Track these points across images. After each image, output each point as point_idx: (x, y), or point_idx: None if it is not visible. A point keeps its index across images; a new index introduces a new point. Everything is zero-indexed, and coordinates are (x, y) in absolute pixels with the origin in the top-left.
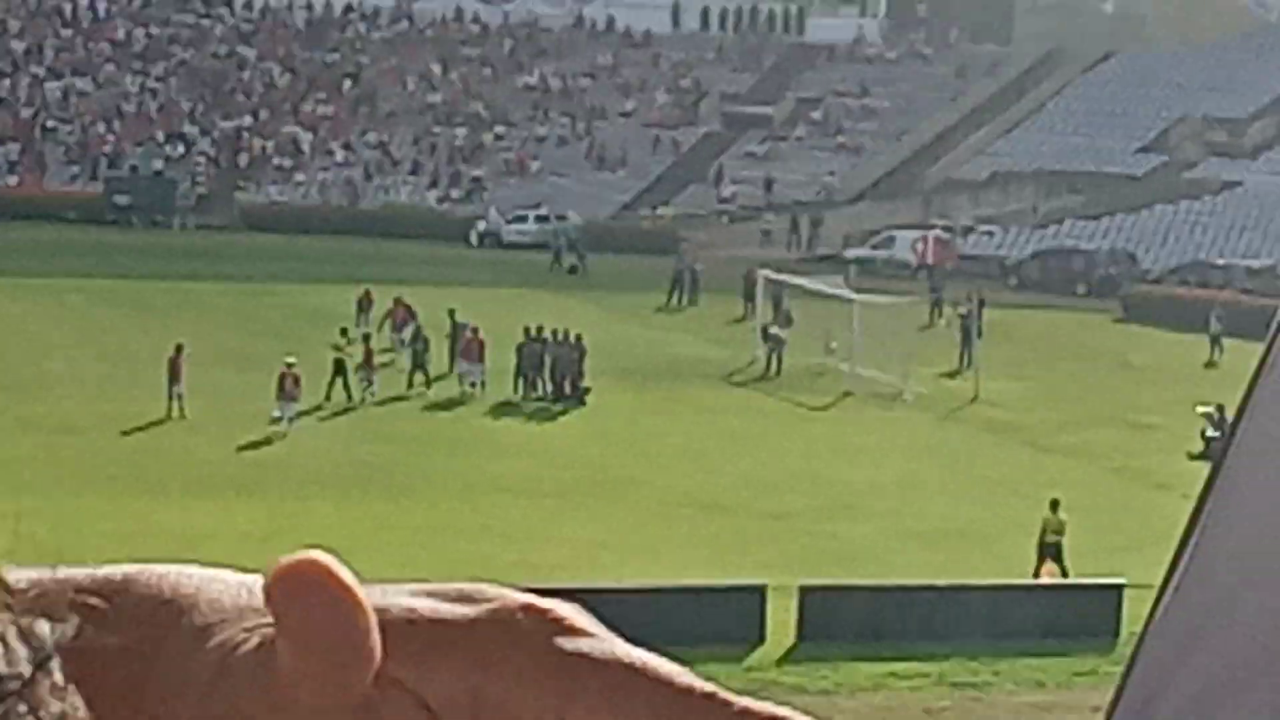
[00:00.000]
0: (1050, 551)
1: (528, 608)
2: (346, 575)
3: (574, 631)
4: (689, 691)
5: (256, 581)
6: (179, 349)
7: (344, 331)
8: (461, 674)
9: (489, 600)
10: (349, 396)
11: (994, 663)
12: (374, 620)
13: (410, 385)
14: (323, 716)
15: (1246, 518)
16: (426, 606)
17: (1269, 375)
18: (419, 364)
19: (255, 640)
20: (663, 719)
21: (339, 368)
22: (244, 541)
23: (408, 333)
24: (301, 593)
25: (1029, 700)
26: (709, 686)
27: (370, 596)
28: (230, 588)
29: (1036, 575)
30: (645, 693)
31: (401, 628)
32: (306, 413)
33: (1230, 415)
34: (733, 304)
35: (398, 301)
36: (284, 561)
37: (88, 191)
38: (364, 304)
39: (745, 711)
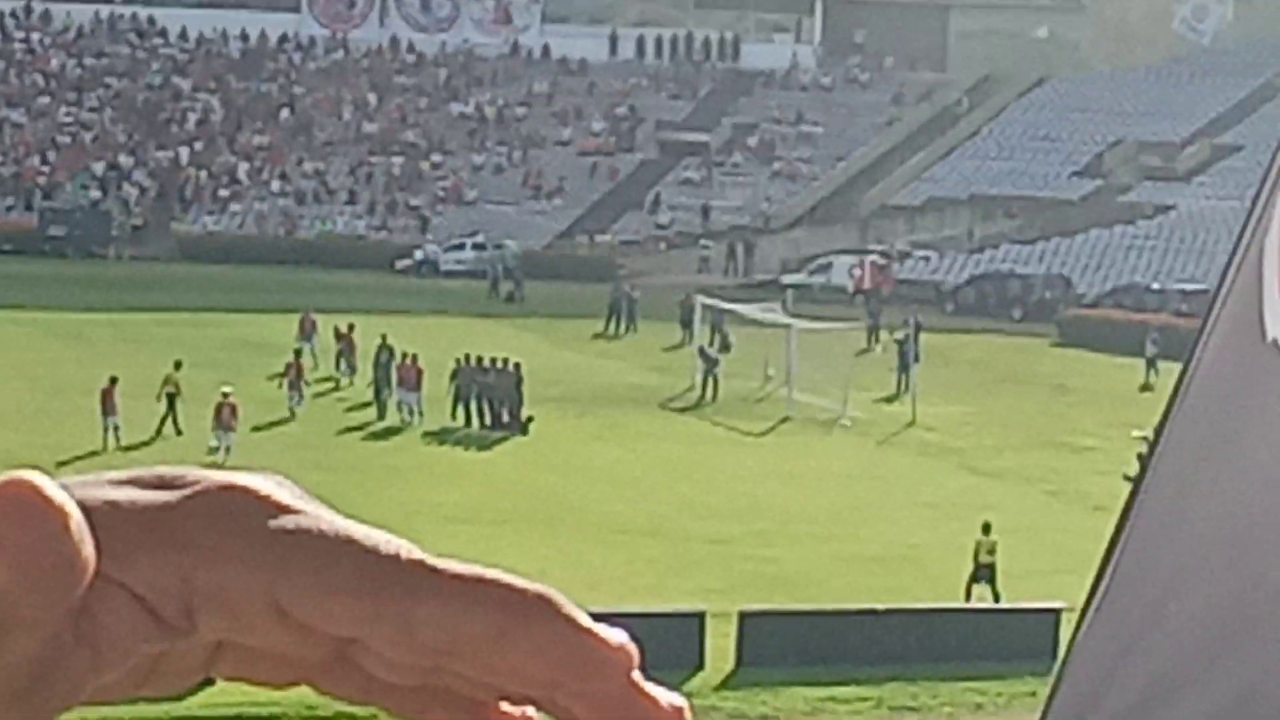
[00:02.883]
0: (984, 575)
1: (230, 487)
2: (55, 491)
3: (279, 508)
4: (395, 558)
5: None
6: (113, 381)
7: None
8: (169, 560)
9: (190, 484)
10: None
11: (933, 686)
12: (87, 532)
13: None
14: (40, 629)
15: (1168, 534)
16: (127, 497)
17: (1184, 397)
18: (379, 393)
19: None
20: (371, 586)
21: (170, 402)
22: None
23: (350, 361)
24: (10, 511)
25: None
26: (416, 553)
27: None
28: None
29: (967, 596)
30: (353, 562)
31: (103, 522)
32: (256, 431)
33: None
34: (671, 331)
35: (350, 328)
36: None
37: (22, 222)
38: (305, 327)
39: (455, 576)
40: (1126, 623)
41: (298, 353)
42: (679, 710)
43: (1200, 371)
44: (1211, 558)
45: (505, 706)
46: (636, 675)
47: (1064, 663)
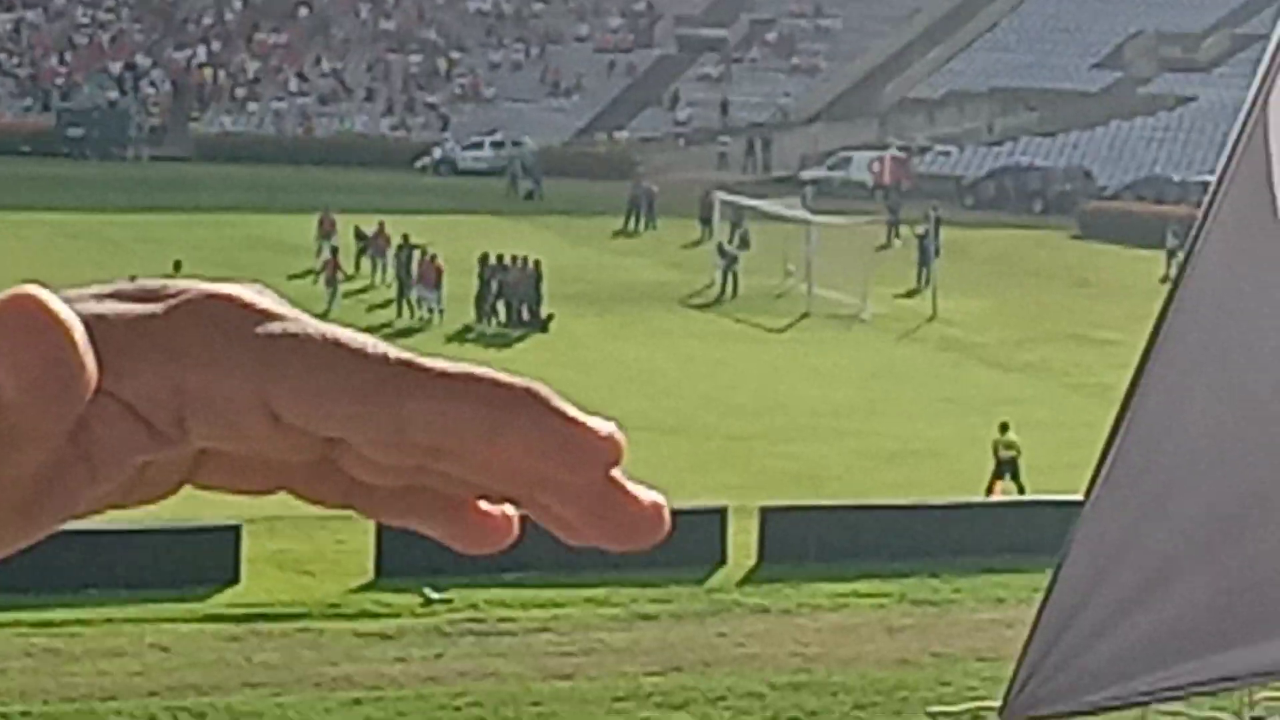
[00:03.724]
0: (1006, 470)
1: (215, 295)
2: (59, 306)
3: (265, 314)
4: (384, 359)
5: None
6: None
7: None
8: (160, 370)
9: (174, 294)
10: None
11: (955, 580)
12: (89, 346)
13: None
14: (46, 442)
15: (1171, 425)
16: (114, 310)
17: (1188, 282)
18: (404, 293)
19: None
20: (362, 386)
21: None
22: None
23: (380, 260)
24: (15, 326)
25: (990, 616)
26: (405, 355)
27: None
28: None
29: (989, 494)
30: (343, 364)
31: (94, 335)
32: None
33: None
34: (690, 228)
35: (380, 227)
36: None
37: (40, 123)
38: (325, 226)
39: (443, 374)
40: (1126, 516)
41: (334, 250)
42: (658, 507)
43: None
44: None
45: (484, 505)
46: (617, 472)
47: (1063, 554)
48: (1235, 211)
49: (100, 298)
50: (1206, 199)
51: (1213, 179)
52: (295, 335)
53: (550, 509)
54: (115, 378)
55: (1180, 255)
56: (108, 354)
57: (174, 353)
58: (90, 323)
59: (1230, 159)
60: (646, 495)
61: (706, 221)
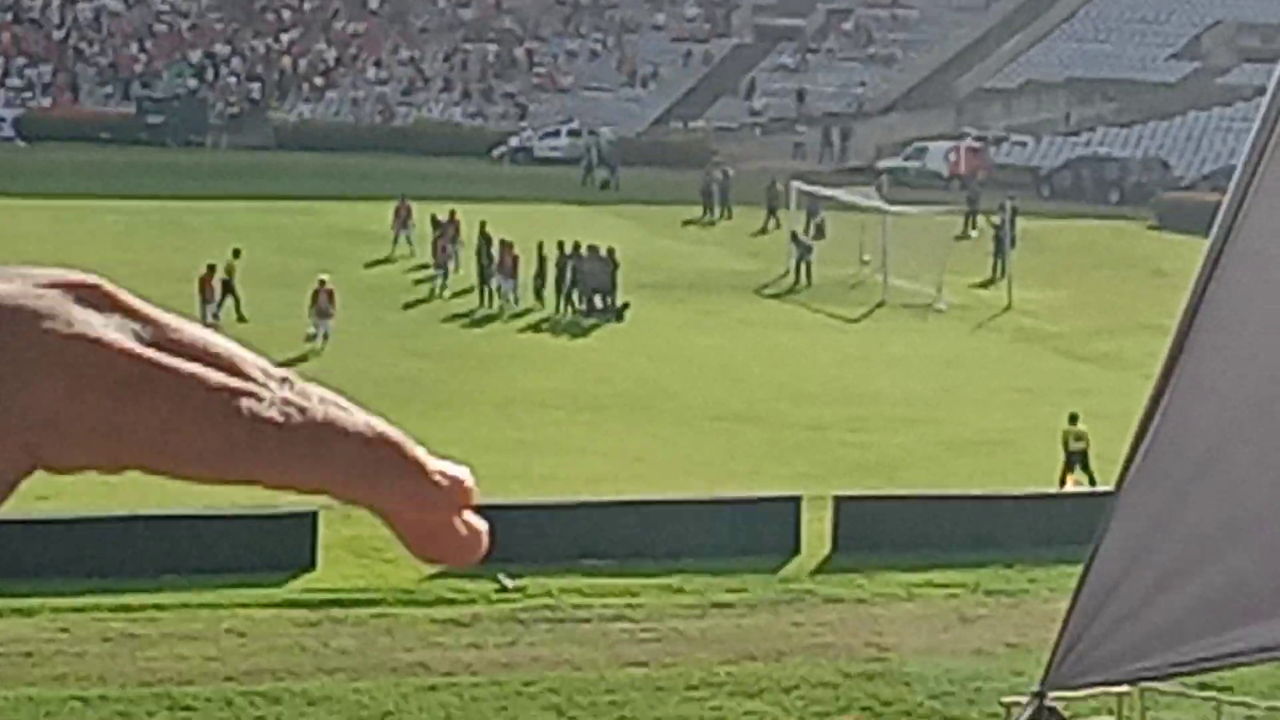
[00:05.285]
0: (1076, 460)
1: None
2: None
3: (117, 350)
4: (250, 419)
5: None
6: (210, 268)
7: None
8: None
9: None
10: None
11: (1029, 570)
12: None
13: (438, 295)
14: None
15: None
16: None
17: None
18: (484, 281)
19: None
20: (208, 455)
21: (225, 289)
22: None
23: (454, 250)
24: None
25: (1065, 606)
26: (276, 403)
27: None
28: None
29: (1061, 486)
30: (189, 429)
31: None
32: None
33: None
34: (765, 217)
35: (451, 215)
36: None
37: (121, 112)
38: (400, 214)
39: (300, 434)
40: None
41: (442, 235)
42: (477, 534)
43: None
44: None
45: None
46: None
47: (1101, 530)
48: (1270, 202)
49: None
50: (1243, 181)
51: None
52: (148, 392)
53: (393, 528)
54: None
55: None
56: None
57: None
58: None
59: (1264, 136)
60: (474, 525)
61: (773, 210)
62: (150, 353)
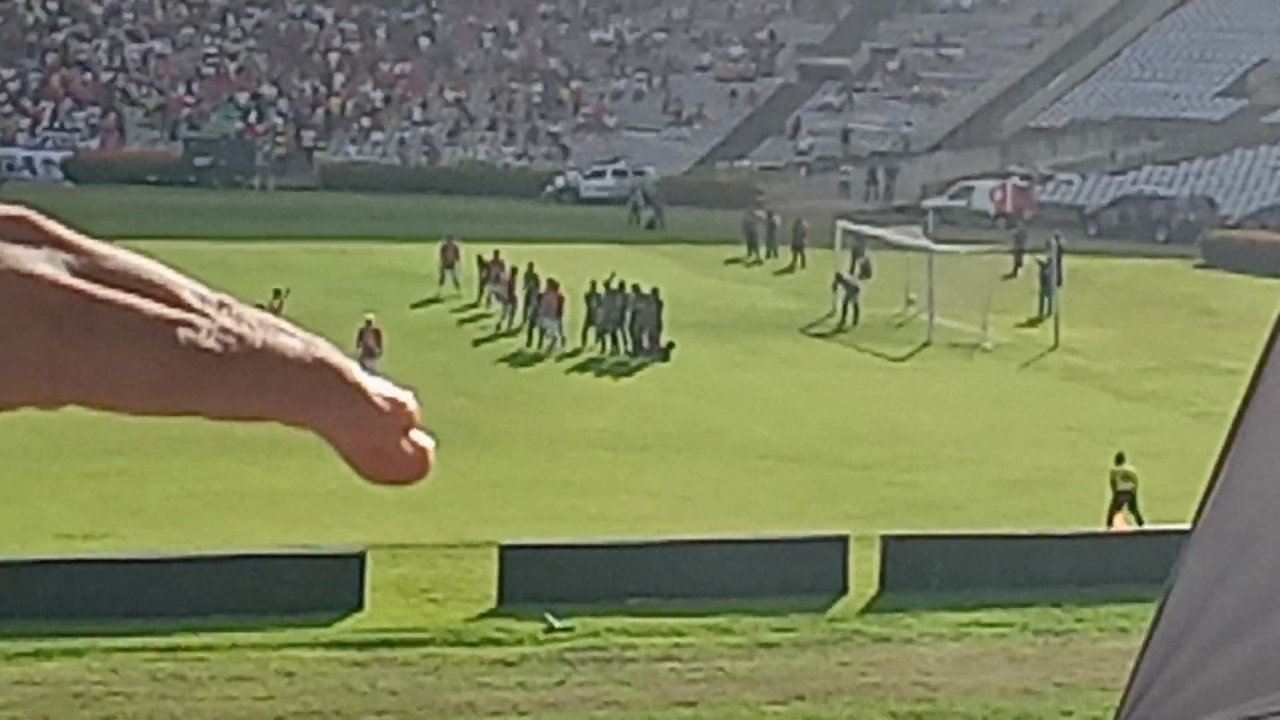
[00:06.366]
0: (1123, 500)
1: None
2: None
3: (56, 285)
4: (191, 349)
5: None
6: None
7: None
8: None
9: None
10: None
11: (1077, 609)
12: None
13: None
14: None
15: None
16: None
17: None
18: (534, 322)
19: None
20: (154, 386)
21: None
22: (328, 500)
23: (500, 288)
24: None
25: (1113, 646)
26: (216, 332)
27: None
28: None
29: (1109, 525)
30: (137, 360)
31: None
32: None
33: None
34: (812, 256)
35: (496, 255)
36: None
37: (168, 153)
38: (447, 255)
39: (243, 359)
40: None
41: (502, 272)
42: (423, 452)
43: None
44: None
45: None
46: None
47: (1168, 587)
48: None
49: None
50: None
51: None
52: (85, 326)
53: (339, 450)
54: None
55: None
56: None
57: None
58: None
59: None
60: (420, 443)
61: (798, 249)
62: (85, 284)
